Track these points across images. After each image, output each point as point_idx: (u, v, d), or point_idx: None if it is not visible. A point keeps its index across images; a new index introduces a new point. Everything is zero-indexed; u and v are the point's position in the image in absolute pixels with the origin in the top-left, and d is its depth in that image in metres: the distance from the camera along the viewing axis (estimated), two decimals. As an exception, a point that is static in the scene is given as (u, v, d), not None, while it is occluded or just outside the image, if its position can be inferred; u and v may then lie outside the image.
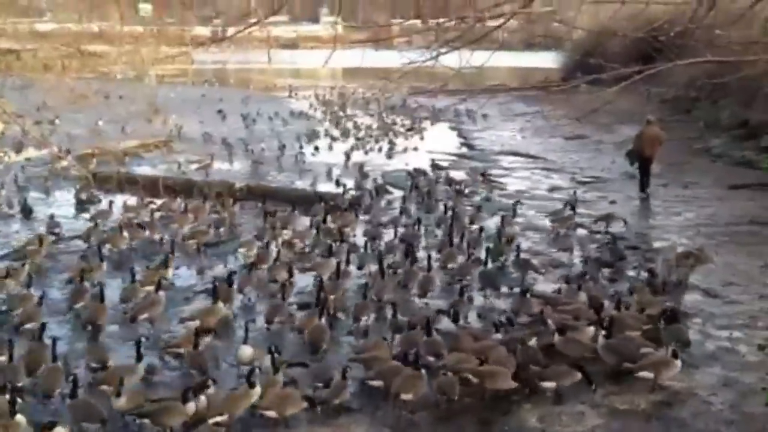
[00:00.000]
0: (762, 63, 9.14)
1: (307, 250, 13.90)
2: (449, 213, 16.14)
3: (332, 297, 10.92)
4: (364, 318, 10.53)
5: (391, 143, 28.28)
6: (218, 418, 7.68)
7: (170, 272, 12.37)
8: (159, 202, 17.09)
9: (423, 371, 8.50)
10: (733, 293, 12.12)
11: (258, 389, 8.00)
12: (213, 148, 25.55)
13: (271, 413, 7.88)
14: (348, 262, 12.51)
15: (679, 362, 8.82)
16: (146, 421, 7.72)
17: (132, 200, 17.52)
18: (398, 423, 8.10)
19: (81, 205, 17.96)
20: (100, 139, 25.97)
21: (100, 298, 10.65)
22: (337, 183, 19.67)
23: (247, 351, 9.17)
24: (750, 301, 11.81)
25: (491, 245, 13.65)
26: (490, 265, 12.83)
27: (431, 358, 9.02)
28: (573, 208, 16.46)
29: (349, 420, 8.09)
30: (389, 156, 26.24)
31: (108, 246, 13.73)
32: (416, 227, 15.04)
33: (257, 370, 8.25)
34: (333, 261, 12.35)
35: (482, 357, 8.79)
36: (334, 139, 29.39)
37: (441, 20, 7.05)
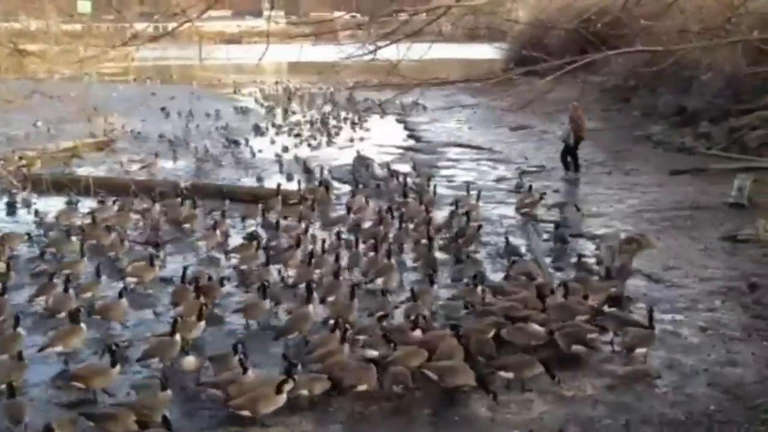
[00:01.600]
0: (696, 50, 9.35)
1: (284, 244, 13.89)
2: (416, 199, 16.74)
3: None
4: (330, 298, 10.68)
5: (330, 136, 28.46)
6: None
7: (156, 270, 12.25)
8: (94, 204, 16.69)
9: (371, 364, 8.52)
10: (674, 277, 12.40)
11: (283, 396, 7.89)
12: (156, 146, 25.15)
13: (245, 412, 7.82)
14: (324, 250, 12.76)
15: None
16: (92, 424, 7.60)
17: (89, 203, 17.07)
18: (350, 418, 8.07)
19: (12, 209, 17.44)
20: (39, 140, 25.31)
21: (64, 289, 10.66)
22: (289, 178, 19.78)
23: (190, 360, 8.95)
24: (691, 284, 12.09)
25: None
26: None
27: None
28: (542, 195, 17.08)
29: (300, 417, 8.03)
30: (329, 149, 26.39)
31: (52, 250, 13.51)
32: (390, 215, 15.14)
33: (298, 366, 8.23)
34: (298, 253, 12.63)
35: (430, 349, 8.83)
36: (278, 134, 29.24)
37: (378, 14, 7.02)
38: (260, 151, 25.16)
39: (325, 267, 12.12)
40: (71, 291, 10.76)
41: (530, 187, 18.12)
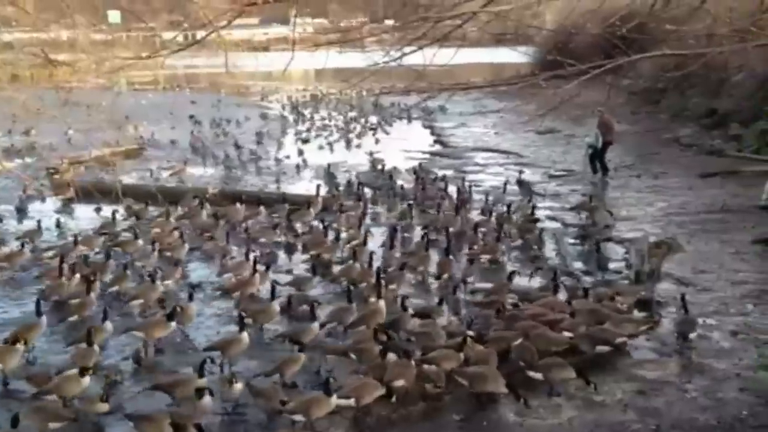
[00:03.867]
0: (725, 53, 9.27)
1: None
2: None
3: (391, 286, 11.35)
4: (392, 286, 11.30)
5: (353, 142, 28.79)
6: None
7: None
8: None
9: (412, 361, 8.55)
10: (705, 281, 12.27)
11: (335, 399, 7.92)
12: (185, 153, 25.43)
13: (299, 416, 7.86)
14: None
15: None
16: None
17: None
18: (378, 422, 8.09)
19: (22, 214, 17.60)
20: (70, 149, 25.70)
21: (151, 279, 11.40)
22: (331, 183, 20.33)
23: (238, 388, 8.52)
24: (722, 288, 11.96)
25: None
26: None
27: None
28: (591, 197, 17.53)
29: (328, 421, 8.00)
30: (353, 154, 26.64)
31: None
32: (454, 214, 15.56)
33: (332, 380, 8.12)
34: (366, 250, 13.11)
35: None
36: (305, 141, 29.42)
37: (403, 21, 7.08)
38: (287, 156, 25.30)
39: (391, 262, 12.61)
40: (158, 282, 11.32)
41: (521, 182, 19.12)
